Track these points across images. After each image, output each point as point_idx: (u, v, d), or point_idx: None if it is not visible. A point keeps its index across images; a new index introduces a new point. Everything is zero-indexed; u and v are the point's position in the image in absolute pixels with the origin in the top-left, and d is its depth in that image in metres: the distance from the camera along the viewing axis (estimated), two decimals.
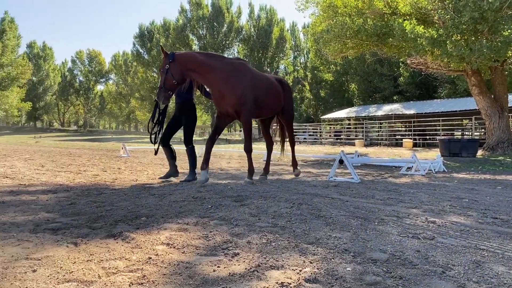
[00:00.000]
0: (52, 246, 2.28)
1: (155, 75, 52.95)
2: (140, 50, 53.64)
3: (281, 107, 6.55)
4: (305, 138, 33.58)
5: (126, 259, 2.10)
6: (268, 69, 47.23)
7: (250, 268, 1.97)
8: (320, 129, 35.76)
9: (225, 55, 7.31)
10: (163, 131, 6.06)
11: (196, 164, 6.06)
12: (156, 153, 6.22)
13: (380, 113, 28.52)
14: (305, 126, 37.45)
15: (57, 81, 70.24)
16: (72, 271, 1.89)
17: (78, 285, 1.74)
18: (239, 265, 2.03)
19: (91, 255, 2.15)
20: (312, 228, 2.84)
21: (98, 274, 1.86)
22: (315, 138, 34.03)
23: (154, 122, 5.89)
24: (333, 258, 2.16)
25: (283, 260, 2.12)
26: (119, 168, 7.63)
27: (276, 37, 46.89)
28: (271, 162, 6.86)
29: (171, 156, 6.12)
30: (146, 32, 54.29)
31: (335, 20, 14.20)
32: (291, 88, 6.87)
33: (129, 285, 1.74)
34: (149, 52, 52.63)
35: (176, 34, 45.44)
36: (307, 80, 50.66)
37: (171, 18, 53.17)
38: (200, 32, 46.22)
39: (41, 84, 66.79)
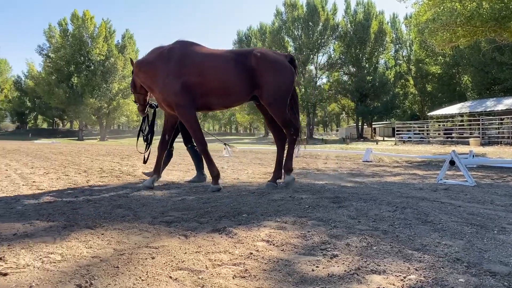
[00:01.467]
0: (167, 237, 2.55)
1: None
2: None
3: (252, 89, 4.86)
4: (409, 137, 31.26)
5: (229, 253, 2.24)
6: (367, 65, 45.23)
7: (350, 271, 1.93)
8: (427, 127, 32.89)
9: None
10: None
11: (202, 164, 5.65)
12: (145, 161, 5.84)
13: (500, 107, 25.09)
14: (410, 124, 34.84)
15: None
16: (184, 261, 2.09)
17: (189, 273, 1.92)
18: (338, 266, 2.01)
19: (199, 247, 2.35)
20: (418, 234, 2.65)
21: (206, 265, 2.03)
22: (421, 137, 31.45)
23: (144, 133, 5.68)
24: (442, 267, 1.99)
25: (385, 265, 2.02)
26: (222, 167, 8.12)
27: (375, 31, 44.67)
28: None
29: (197, 159, 5.76)
30: (244, 37, 56.74)
31: (442, 7, 12.95)
32: (276, 60, 4.93)
33: (233, 278, 1.86)
34: None
35: (272, 37, 46.52)
36: (411, 74, 47.12)
37: (267, 21, 54.74)
38: (295, 33, 46.54)
39: None
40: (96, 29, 53.40)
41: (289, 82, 4.98)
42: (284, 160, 5.22)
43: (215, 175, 4.81)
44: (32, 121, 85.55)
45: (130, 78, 6.91)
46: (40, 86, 52.07)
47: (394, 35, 49.37)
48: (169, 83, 4.67)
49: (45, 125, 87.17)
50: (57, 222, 2.93)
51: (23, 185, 5.09)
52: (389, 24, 48.90)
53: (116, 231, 2.69)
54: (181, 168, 7.98)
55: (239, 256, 2.18)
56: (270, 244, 2.42)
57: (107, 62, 53.65)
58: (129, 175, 6.45)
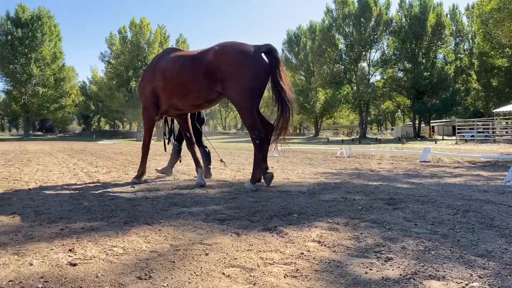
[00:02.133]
0: (220, 234, 2.63)
1: (302, 78, 54.55)
2: (288, 55, 56.13)
3: (213, 85, 4.73)
4: (472, 136, 29.19)
5: (280, 252, 2.26)
6: (424, 60, 42.93)
7: (406, 275, 1.86)
8: (493, 124, 30.48)
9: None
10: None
11: (210, 162, 6.28)
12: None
13: None
14: (473, 122, 32.52)
15: None
16: (236, 258, 2.14)
17: (241, 271, 1.96)
18: (393, 270, 1.94)
19: (250, 245, 2.39)
20: (482, 239, 2.48)
21: (257, 263, 2.06)
22: (485, 136, 29.21)
23: (167, 136, 6.30)
24: (509, 275, 1.84)
25: (444, 271, 1.92)
26: (272, 167, 8.16)
27: (432, 24, 42.23)
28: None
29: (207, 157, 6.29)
30: (293, 37, 56.47)
31: None
32: (238, 53, 4.65)
33: (284, 277, 1.87)
34: (296, 56, 54.56)
35: (322, 35, 45.81)
36: (473, 69, 43.98)
37: (317, 20, 54.01)
38: (346, 30, 45.42)
39: None
40: (152, 35, 56.08)
41: (255, 75, 4.61)
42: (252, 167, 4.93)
43: (140, 174, 5.49)
44: (96, 123, 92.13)
45: None
46: (102, 90, 55.79)
47: (454, 28, 46.35)
48: (144, 88, 5.39)
49: (107, 127, 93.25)
50: (119, 217, 3.14)
51: (89, 182, 5.50)
52: (448, 16, 45.94)
53: (172, 227, 2.82)
54: (232, 167, 8.14)
55: (290, 255, 2.19)
56: (322, 244, 2.40)
57: None
58: (184, 174, 6.70)
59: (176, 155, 6.45)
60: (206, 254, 2.20)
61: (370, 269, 1.95)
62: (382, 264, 2.03)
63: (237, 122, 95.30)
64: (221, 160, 7.05)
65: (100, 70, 66.18)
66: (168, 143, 6.34)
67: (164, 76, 5.03)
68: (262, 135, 4.70)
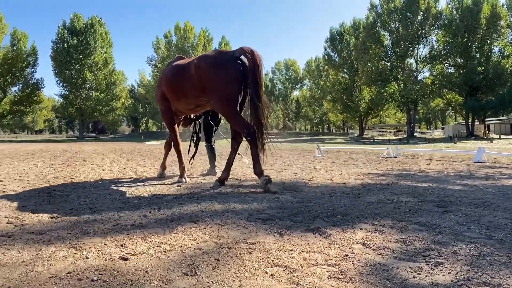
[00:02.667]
0: (262, 234, 2.65)
1: (346, 76, 53.45)
2: (331, 53, 55.25)
3: (199, 95, 5.12)
4: None
5: (324, 253, 2.23)
6: (477, 55, 40.38)
7: (457, 281, 1.77)
8: None
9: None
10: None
11: (215, 161, 6.80)
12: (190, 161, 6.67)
13: None
14: None
15: None
16: (279, 258, 2.15)
17: (284, 270, 1.96)
18: (443, 275, 1.85)
19: (293, 245, 2.38)
20: None
21: (300, 264, 2.05)
22: None
23: (194, 141, 6.74)
24: None
25: (500, 278, 1.80)
26: (314, 167, 8.08)
27: (486, 16, 39.62)
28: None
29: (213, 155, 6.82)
30: (336, 35, 55.49)
31: None
32: (211, 63, 4.86)
33: (328, 278, 1.85)
34: (339, 54, 53.58)
35: (366, 31, 44.61)
36: None
37: (361, 17, 52.51)
38: (392, 26, 43.88)
39: None
40: (196, 38, 57.62)
41: (227, 83, 4.80)
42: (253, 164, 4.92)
43: (181, 172, 5.72)
44: (144, 125, 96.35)
45: None
46: (149, 93, 58.23)
47: (511, 19, 43.14)
48: (157, 93, 6.06)
49: (154, 128, 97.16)
50: (166, 215, 3.26)
51: (138, 181, 5.76)
52: (505, 6, 42.82)
53: (216, 225, 2.88)
54: (274, 167, 8.16)
55: (334, 257, 2.16)
56: (367, 247, 2.34)
57: None
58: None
59: (212, 154, 6.83)
60: (250, 253, 2.23)
61: (419, 274, 1.88)
62: (431, 269, 1.95)
63: (279, 122, 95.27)
64: (239, 154, 7.14)
65: (147, 74, 69.06)
66: (194, 147, 6.75)
67: (166, 83, 5.66)
68: (252, 130, 4.78)
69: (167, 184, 5.43)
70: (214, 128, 6.89)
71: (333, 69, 55.13)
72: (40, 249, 2.29)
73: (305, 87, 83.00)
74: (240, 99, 4.93)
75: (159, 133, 79.46)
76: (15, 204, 3.85)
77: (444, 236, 2.55)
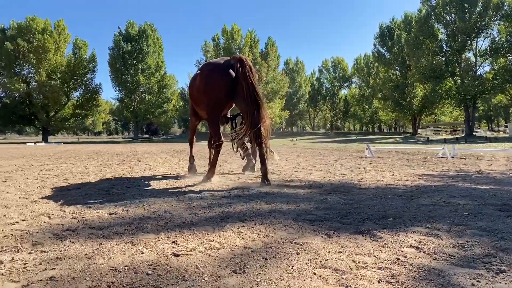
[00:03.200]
0: (310, 235, 2.63)
1: (397, 73, 51.39)
2: (381, 50, 53.33)
3: (225, 93, 5.47)
4: None
5: (374, 256, 2.17)
6: None
7: None
8: None
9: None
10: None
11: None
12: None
13: None
14: None
15: (307, 90, 79.88)
16: (327, 259, 2.12)
17: (332, 272, 1.94)
18: (506, 284, 1.73)
19: (342, 247, 2.34)
20: None
21: (349, 266, 2.02)
22: None
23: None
24: None
25: None
26: (364, 168, 7.85)
27: None
28: None
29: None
30: (386, 30, 53.53)
31: None
32: (206, 74, 5.60)
33: (378, 281, 1.80)
34: (390, 50, 51.61)
35: (419, 26, 42.47)
36: None
37: (413, 10, 50.09)
38: (447, 18, 41.40)
39: (295, 94, 77.88)
40: (243, 40, 58.38)
41: (211, 93, 5.51)
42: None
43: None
44: None
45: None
46: None
47: None
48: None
49: (203, 129, 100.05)
50: (215, 213, 3.35)
51: (189, 181, 5.96)
52: None
53: (264, 225, 2.91)
54: (322, 168, 8.05)
55: (385, 260, 2.09)
56: (420, 251, 2.24)
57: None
58: (274, 173, 6.84)
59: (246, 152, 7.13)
60: (297, 253, 2.23)
61: (478, 281, 1.77)
62: (492, 276, 1.82)
63: (326, 122, 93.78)
64: (271, 151, 7.13)
65: None
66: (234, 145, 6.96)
67: (199, 84, 5.88)
68: (220, 141, 5.62)
69: (216, 184, 5.56)
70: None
71: (384, 66, 53.08)
72: (101, 243, 2.46)
73: (353, 85, 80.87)
74: (225, 108, 5.85)
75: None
76: (78, 200, 4.16)
77: (507, 242, 2.37)
